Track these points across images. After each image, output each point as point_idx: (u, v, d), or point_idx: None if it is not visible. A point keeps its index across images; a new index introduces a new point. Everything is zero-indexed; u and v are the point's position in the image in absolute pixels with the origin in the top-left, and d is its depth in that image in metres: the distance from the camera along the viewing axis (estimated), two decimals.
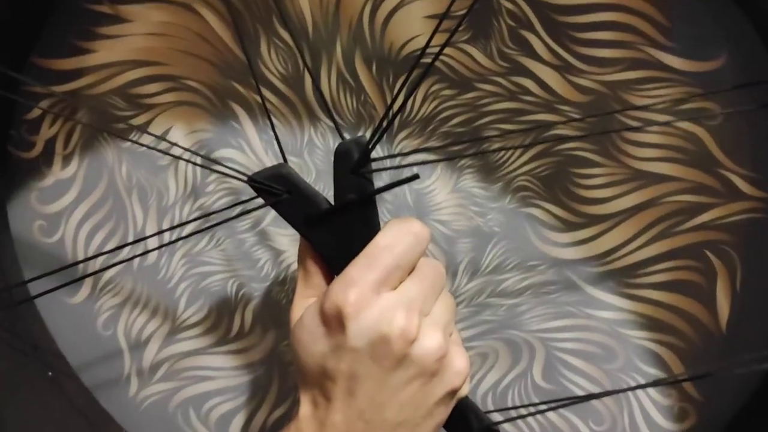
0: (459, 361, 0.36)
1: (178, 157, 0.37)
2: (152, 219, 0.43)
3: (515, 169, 0.40)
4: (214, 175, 0.42)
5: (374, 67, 0.38)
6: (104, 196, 0.43)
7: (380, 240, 0.34)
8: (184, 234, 0.44)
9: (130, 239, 0.44)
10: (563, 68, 0.37)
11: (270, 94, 0.40)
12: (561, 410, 0.46)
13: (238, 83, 0.39)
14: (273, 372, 0.45)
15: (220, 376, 0.45)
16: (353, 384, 0.35)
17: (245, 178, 0.34)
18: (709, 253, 0.40)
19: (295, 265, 0.45)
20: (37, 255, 0.45)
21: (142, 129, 0.41)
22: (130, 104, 0.40)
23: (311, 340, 0.34)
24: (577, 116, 0.38)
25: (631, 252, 0.41)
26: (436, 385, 0.35)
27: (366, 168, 0.34)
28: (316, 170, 0.41)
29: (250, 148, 0.41)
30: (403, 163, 0.39)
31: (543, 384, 0.44)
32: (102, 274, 0.45)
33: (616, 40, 0.36)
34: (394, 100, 0.33)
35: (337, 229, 0.35)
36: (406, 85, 0.33)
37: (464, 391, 0.37)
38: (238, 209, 0.37)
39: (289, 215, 0.35)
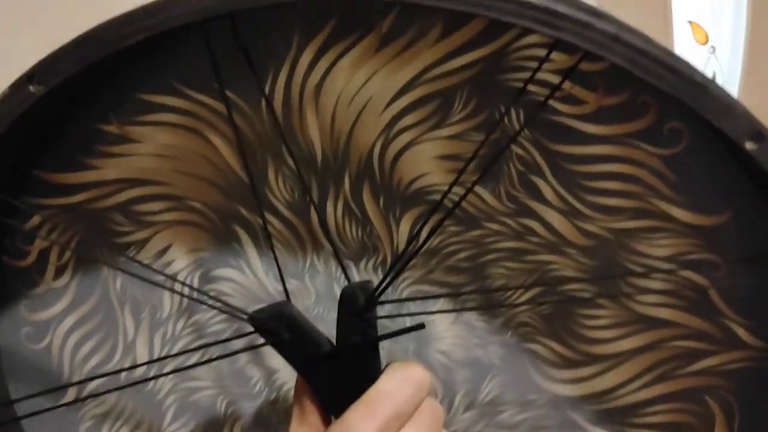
0: None
1: (177, 292, 0.37)
2: (144, 332, 0.43)
3: (516, 308, 0.41)
4: (212, 293, 0.42)
5: (381, 201, 0.39)
6: (96, 306, 0.43)
7: (381, 386, 0.35)
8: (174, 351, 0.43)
9: (120, 351, 0.44)
10: (570, 213, 0.38)
11: (274, 219, 0.40)
12: None
13: (242, 206, 0.40)
14: None
15: None
16: None
17: (245, 317, 0.34)
18: (708, 399, 0.41)
19: (288, 385, 0.45)
20: (22, 361, 0.45)
21: (139, 246, 0.41)
22: (130, 221, 0.41)
23: None
24: (581, 259, 0.39)
25: (630, 393, 0.42)
26: None
27: (371, 314, 0.34)
28: (316, 293, 0.41)
29: (251, 270, 0.42)
30: (409, 309, 0.40)
31: None
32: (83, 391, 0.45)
33: (624, 190, 0.37)
34: (405, 249, 0.34)
35: (337, 371, 0.35)
36: (418, 232, 0.34)
37: None
38: (238, 341, 0.37)
39: (288, 355, 0.35)
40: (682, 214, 0.37)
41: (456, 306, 0.41)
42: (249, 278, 0.41)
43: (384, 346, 0.42)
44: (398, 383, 0.35)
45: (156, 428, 0.46)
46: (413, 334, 0.42)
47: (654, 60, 0.27)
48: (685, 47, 1.21)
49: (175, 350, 0.45)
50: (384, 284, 0.33)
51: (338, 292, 0.35)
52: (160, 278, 0.41)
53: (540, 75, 0.35)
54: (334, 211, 0.39)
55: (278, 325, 0.34)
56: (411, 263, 0.40)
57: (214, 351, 0.42)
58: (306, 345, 0.34)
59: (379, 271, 0.41)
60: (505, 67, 0.36)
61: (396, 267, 0.32)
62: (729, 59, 1.25)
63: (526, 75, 0.35)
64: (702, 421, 0.41)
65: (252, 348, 0.35)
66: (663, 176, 0.37)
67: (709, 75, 1.22)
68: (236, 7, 0.28)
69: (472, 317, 0.41)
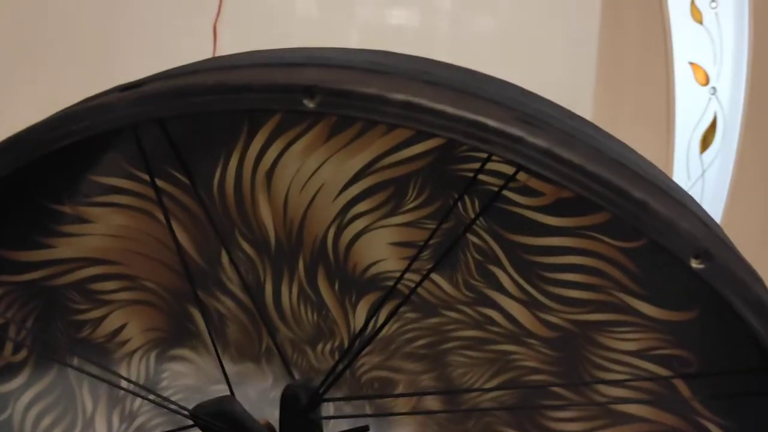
0: None
1: (121, 387, 0.37)
2: (102, 408, 0.43)
3: (480, 395, 0.40)
4: (167, 372, 0.42)
5: (337, 285, 0.38)
6: (54, 382, 0.43)
7: None
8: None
9: (80, 426, 0.44)
10: (531, 304, 0.37)
11: (229, 301, 0.40)
12: None
13: (197, 288, 0.39)
14: None
15: None
16: None
17: (186, 413, 0.34)
18: None
19: None
20: None
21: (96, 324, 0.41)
22: (85, 299, 0.41)
23: None
24: (544, 350, 0.38)
25: None
26: None
27: (314, 413, 0.34)
28: (273, 376, 0.41)
29: (206, 351, 0.41)
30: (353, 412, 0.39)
31: None
32: None
33: (586, 283, 0.36)
34: (350, 345, 0.33)
35: None
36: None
37: None
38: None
39: None
40: (648, 308, 0.36)
41: (414, 398, 0.40)
42: (205, 359, 0.41)
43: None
44: None
45: None
46: (374, 421, 0.41)
47: (589, 177, 0.26)
48: (685, 88, 1.18)
49: (132, 428, 0.44)
50: (327, 384, 0.33)
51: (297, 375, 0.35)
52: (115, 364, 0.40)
53: (493, 165, 0.34)
54: (289, 295, 0.39)
55: (219, 423, 0.34)
56: (369, 348, 0.40)
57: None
58: None
59: (336, 355, 0.40)
60: (457, 157, 0.35)
61: (336, 368, 0.32)
62: (730, 100, 1.23)
63: (478, 165, 0.34)
64: None
65: None
66: (626, 269, 0.36)
67: (710, 116, 1.19)
68: (164, 115, 0.28)
69: (433, 405, 0.40)
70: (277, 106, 0.26)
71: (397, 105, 0.26)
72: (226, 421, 0.34)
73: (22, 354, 0.43)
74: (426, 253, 0.37)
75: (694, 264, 0.26)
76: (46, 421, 0.45)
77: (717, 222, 0.37)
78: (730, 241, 0.33)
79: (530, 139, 0.26)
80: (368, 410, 0.41)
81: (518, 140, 0.26)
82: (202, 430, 0.35)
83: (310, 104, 0.26)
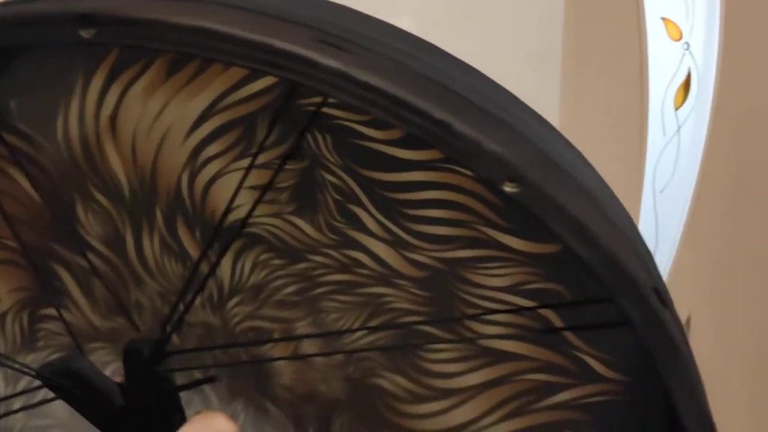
0: None
1: None
2: None
3: (356, 339, 0.39)
4: (42, 331, 0.41)
5: (198, 234, 0.37)
6: None
7: None
8: None
9: None
10: (396, 243, 0.36)
11: (91, 255, 0.38)
12: None
13: (57, 243, 0.38)
14: None
15: None
16: None
17: (33, 373, 0.33)
18: None
19: None
20: None
21: None
22: None
23: None
24: (417, 292, 0.37)
25: (485, 427, 0.40)
26: None
27: (162, 365, 0.33)
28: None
29: (76, 308, 0.40)
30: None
31: None
32: None
33: (450, 218, 0.35)
34: (181, 296, 0.32)
35: (133, 427, 0.34)
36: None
37: None
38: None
39: (83, 410, 0.34)
40: (514, 241, 0.35)
41: (291, 344, 0.39)
42: (75, 316, 0.40)
43: (225, 383, 0.40)
44: None
45: None
46: (255, 370, 0.40)
47: (389, 98, 0.24)
48: (658, 44, 1.16)
49: (19, 388, 0.44)
50: (167, 335, 0.32)
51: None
52: None
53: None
54: (151, 246, 0.37)
55: (67, 381, 0.33)
56: (238, 298, 0.38)
57: None
58: (97, 400, 0.33)
59: (207, 307, 0.39)
60: (303, 92, 0.33)
61: (174, 317, 0.31)
62: (704, 55, 1.20)
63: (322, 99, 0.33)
64: None
65: (46, 402, 0.34)
66: (488, 202, 0.34)
67: (684, 72, 1.16)
68: None
69: (310, 350, 0.39)
70: (52, 38, 0.24)
71: (180, 30, 0.24)
72: (74, 379, 0.33)
73: None
74: (284, 196, 0.36)
75: (508, 188, 0.25)
76: None
77: (578, 152, 0.35)
78: (584, 168, 0.32)
79: (323, 61, 0.24)
80: (244, 359, 0.40)
81: (312, 64, 0.24)
82: (49, 389, 0.34)
83: (86, 35, 0.24)
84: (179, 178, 0.36)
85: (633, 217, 1.25)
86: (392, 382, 0.39)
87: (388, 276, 0.37)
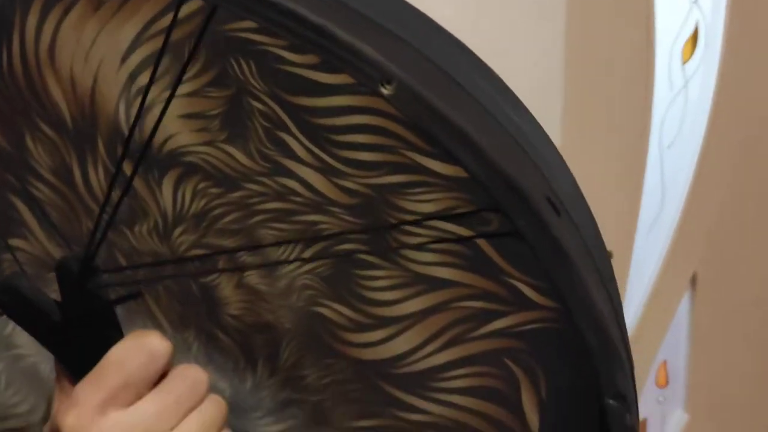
0: None
1: None
2: None
3: (296, 268, 0.38)
4: (6, 262, 0.41)
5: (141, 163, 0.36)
6: None
7: (110, 356, 0.33)
8: None
9: None
10: (325, 170, 0.34)
11: (41, 185, 0.38)
12: None
13: (11, 174, 0.37)
14: None
15: None
16: None
17: None
18: (508, 361, 0.37)
19: None
20: None
21: None
22: None
23: None
24: (348, 218, 0.36)
25: (427, 356, 0.39)
26: None
27: (93, 281, 0.32)
28: (102, 258, 0.39)
29: (34, 238, 0.40)
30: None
31: None
32: None
33: (375, 144, 0.33)
34: (102, 210, 0.31)
35: (71, 343, 0.33)
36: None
37: None
38: None
39: (26, 327, 0.34)
40: (438, 165, 0.33)
41: (235, 275, 0.38)
42: (35, 246, 0.40)
43: (176, 311, 0.40)
44: (128, 353, 0.33)
45: None
46: (200, 297, 0.40)
47: (270, 7, 0.23)
48: None
49: None
50: (92, 252, 0.31)
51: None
52: None
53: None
54: (96, 176, 0.37)
55: (6, 297, 0.33)
56: (182, 227, 0.38)
57: None
58: (36, 317, 0.33)
59: (154, 236, 0.38)
60: (225, 17, 0.32)
61: (97, 233, 0.30)
62: (712, 9, 1.15)
63: (253, 24, 0.31)
64: (507, 385, 0.38)
65: None
66: (408, 125, 0.33)
67: (692, 25, 1.11)
68: None
69: (254, 281, 0.38)
70: None
71: None
72: (13, 295, 0.32)
73: None
74: (215, 123, 0.35)
75: (385, 90, 0.23)
76: None
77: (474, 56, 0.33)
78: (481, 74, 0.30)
79: None
80: (194, 287, 0.39)
81: None
82: None
83: None
84: (116, 107, 0.35)
85: (638, 173, 1.20)
86: (334, 310, 0.38)
87: (321, 203, 0.35)
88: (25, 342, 0.45)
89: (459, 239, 0.33)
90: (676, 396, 1.34)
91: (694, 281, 1.30)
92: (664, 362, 1.34)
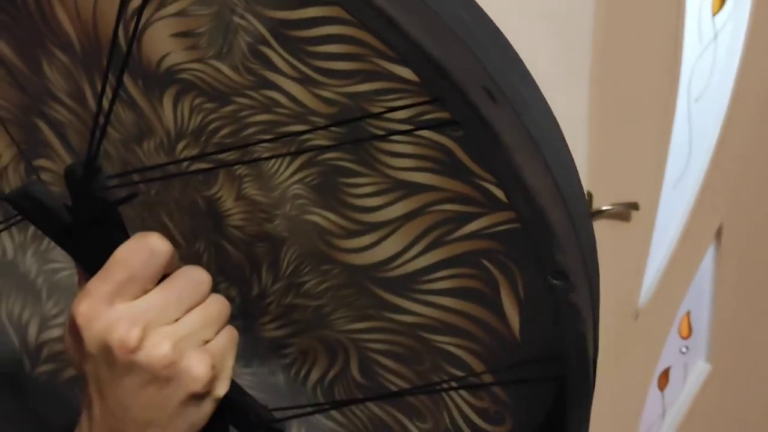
0: (196, 368, 0.35)
1: None
2: None
3: (287, 178, 0.38)
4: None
5: (141, 83, 0.37)
6: None
7: (117, 254, 0.35)
8: None
9: None
10: (305, 81, 0.35)
11: (61, 108, 0.39)
12: (387, 408, 0.44)
13: (34, 99, 0.39)
14: None
15: None
16: (100, 386, 0.35)
17: (3, 197, 0.35)
18: (485, 262, 0.37)
19: None
20: None
21: None
22: None
23: (68, 346, 0.37)
24: (331, 128, 0.35)
25: (411, 259, 0.39)
26: (174, 389, 0.35)
27: (97, 185, 0.33)
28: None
29: (58, 157, 0.41)
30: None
31: (363, 381, 0.43)
32: None
33: (347, 53, 0.33)
34: (98, 114, 0.32)
35: (84, 244, 0.35)
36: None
37: (220, 392, 0.36)
38: None
39: (43, 230, 0.35)
40: (406, 71, 0.33)
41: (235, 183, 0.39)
42: (59, 165, 0.41)
43: (187, 225, 0.41)
44: (132, 251, 0.34)
45: (39, 305, 0.48)
46: (205, 211, 0.40)
47: None
48: None
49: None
50: (93, 151, 0.32)
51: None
52: None
53: None
54: (110, 103, 0.37)
55: (27, 203, 0.34)
56: (184, 142, 0.38)
57: None
58: (50, 220, 0.34)
59: (161, 152, 0.39)
60: None
61: (95, 137, 0.31)
62: None
63: None
64: (487, 285, 0.38)
65: (13, 223, 0.35)
66: (377, 33, 0.32)
67: None
68: None
69: (251, 192, 0.39)
70: None
71: None
72: (30, 201, 0.34)
73: None
74: (203, 41, 0.35)
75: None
76: None
77: None
78: None
79: None
80: (200, 202, 0.40)
81: None
82: (14, 208, 0.35)
83: None
84: (116, 31, 0.35)
85: (666, 126, 1.16)
86: (324, 218, 0.39)
87: (303, 114, 0.35)
88: (61, 256, 0.47)
89: (404, 132, 0.32)
90: (699, 346, 1.31)
91: (719, 234, 1.26)
92: (688, 313, 1.30)
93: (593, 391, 0.36)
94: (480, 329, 0.41)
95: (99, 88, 0.40)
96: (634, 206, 1.18)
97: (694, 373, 1.32)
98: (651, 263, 1.21)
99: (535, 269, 0.38)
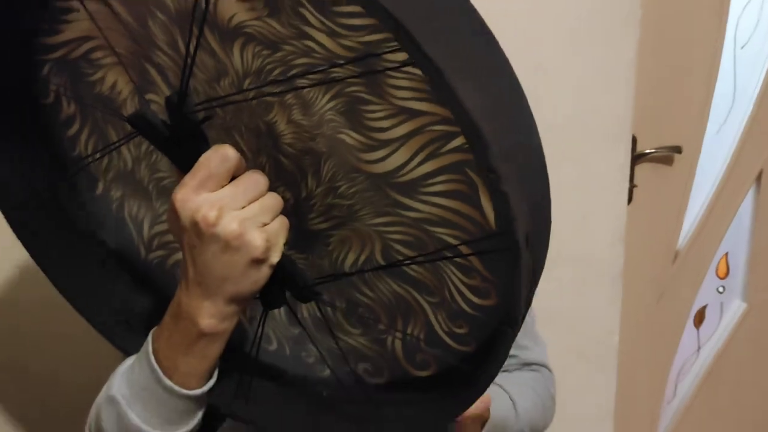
0: (255, 240, 0.49)
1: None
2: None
3: (323, 106, 0.50)
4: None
5: (217, 36, 0.50)
6: (93, 125, 0.59)
7: (201, 159, 0.49)
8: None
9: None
10: (332, 33, 0.47)
11: (163, 55, 0.53)
12: (404, 286, 0.56)
13: (143, 47, 0.53)
14: None
15: None
16: (192, 252, 0.49)
17: (125, 118, 0.49)
18: (467, 170, 0.48)
19: None
20: None
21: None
22: (90, 65, 0.56)
23: (171, 224, 0.52)
24: (352, 68, 0.47)
25: (414, 167, 0.51)
26: (241, 255, 0.49)
27: (187, 108, 0.47)
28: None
29: (161, 92, 0.55)
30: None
31: (384, 264, 0.55)
32: (107, 173, 0.62)
33: (361, 12, 0.45)
34: (189, 56, 0.45)
35: (179, 152, 0.48)
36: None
37: (273, 260, 0.50)
38: None
39: (152, 141, 0.49)
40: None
41: (286, 112, 0.51)
42: (162, 98, 0.55)
43: (254, 143, 0.54)
44: (210, 156, 0.48)
45: (151, 205, 0.63)
46: (264, 131, 0.53)
47: None
48: None
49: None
50: (184, 87, 0.45)
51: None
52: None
53: None
54: (194, 48, 0.51)
55: (140, 122, 0.48)
56: (249, 79, 0.51)
57: None
58: (155, 135, 0.48)
59: (234, 88, 0.52)
60: None
61: (185, 74, 0.44)
62: None
63: None
64: (469, 187, 0.49)
65: (134, 136, 0.49)
66: None
67: None
68: None
69: (298, 117, 0.51)
70: None
71: None
72: (142, 120, 0.48)
73: (72, 108, 0.60)
74: (260, 3, 0.47)
75: None
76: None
77: None
78: None
79: None
80: (261, 126, 0.53)
81: None
82: (132, 127, 0.49)
83: None
84: None
85: (712, 72, 1.17)
86: (351, 137, 0.51)
87: (332, 58, 0.47)
88: (165, 167, 0.61)
89: (369, 72, 0.44)
90: (735, 286, 1.35)
91: (759, 178, 1.28)
92: (726, 254, 1.34)
93: (529, 264, 0.46)
94: (469, 223, 0.52)
95: (187, 39, 0.53)
96: (677, 150, 1.22)
97: (730, 311, 1.36)
98: (692, 206, 1.26)
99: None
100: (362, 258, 0.59)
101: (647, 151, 1.19)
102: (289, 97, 0.54)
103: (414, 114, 0.50)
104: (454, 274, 0.55)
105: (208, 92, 0.56)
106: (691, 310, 1.32)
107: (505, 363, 0.73)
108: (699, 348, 1.35)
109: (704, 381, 1.34)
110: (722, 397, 1.34)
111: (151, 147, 0.61)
